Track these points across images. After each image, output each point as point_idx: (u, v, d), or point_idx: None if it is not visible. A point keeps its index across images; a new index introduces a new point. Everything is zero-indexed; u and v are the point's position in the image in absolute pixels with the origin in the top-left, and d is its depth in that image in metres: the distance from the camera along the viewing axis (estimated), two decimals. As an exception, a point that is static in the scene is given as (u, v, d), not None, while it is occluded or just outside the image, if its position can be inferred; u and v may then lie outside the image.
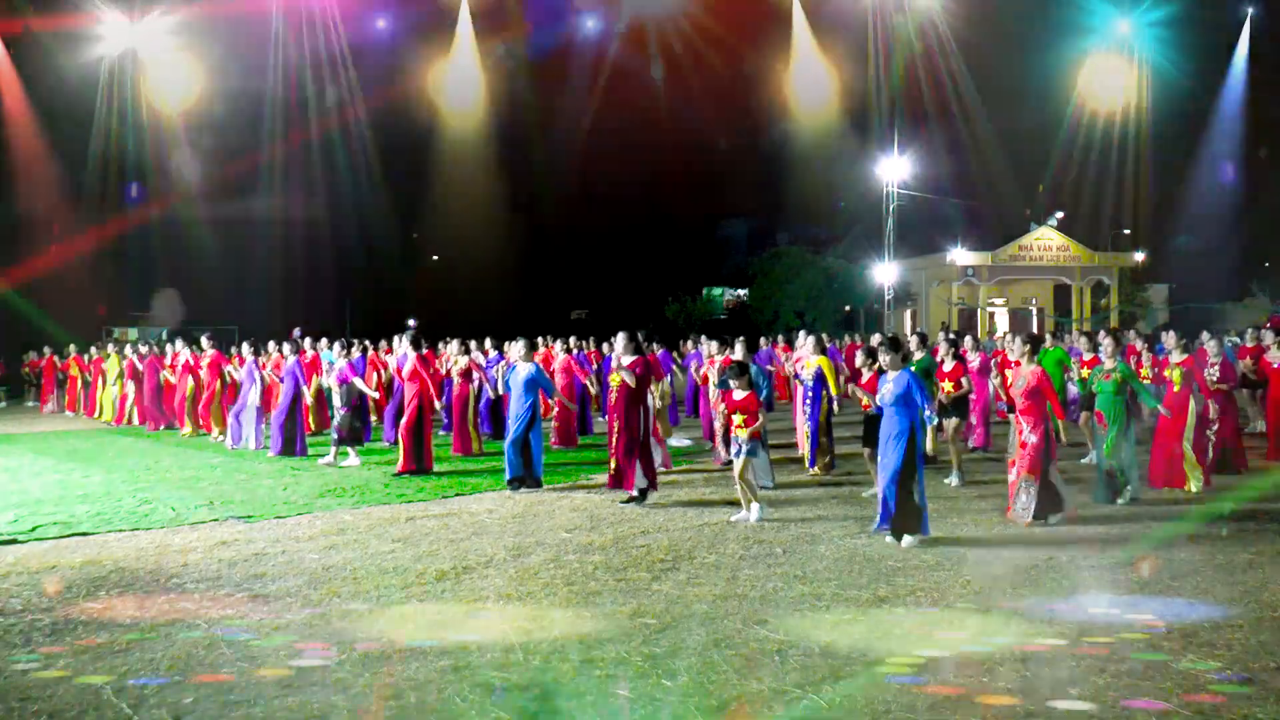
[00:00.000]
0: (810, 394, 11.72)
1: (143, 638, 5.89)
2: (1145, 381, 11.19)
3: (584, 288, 57.37)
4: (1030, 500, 8.89)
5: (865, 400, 10.08)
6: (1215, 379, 11.91)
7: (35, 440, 17.26)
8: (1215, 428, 11.68)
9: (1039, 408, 8.92)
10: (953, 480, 11.08)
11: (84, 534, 8.94)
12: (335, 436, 13.39)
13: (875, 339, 13.05)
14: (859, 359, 10.82)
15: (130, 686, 5.09)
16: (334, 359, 14.16)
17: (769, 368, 19.09)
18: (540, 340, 19.59)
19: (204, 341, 17.18)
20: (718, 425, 12.48)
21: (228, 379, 16.63)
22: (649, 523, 9.22)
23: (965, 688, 4.99)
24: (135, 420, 19.54)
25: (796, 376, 12.43)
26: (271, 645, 5.73)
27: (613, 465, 10.35)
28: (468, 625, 6.11)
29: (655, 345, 16.87)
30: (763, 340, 23.12)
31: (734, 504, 9.59)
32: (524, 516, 9.63)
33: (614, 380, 10.30)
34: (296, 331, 16.62)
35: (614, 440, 10.29)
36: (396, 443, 13.01)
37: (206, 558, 7.97)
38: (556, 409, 15.31)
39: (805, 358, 12.00)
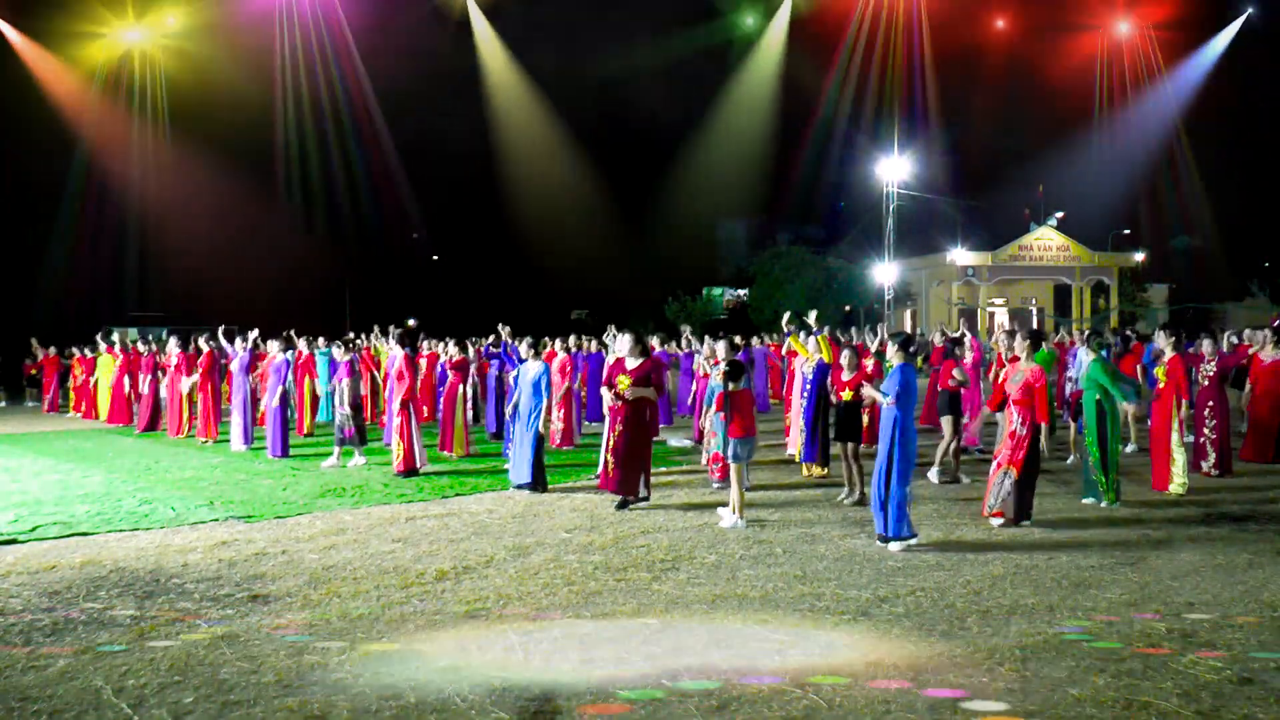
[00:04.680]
0: (809, 388, 11.68)
1: (142, 638, 5.89)
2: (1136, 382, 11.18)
3: (584, 288, 57.39)
4: (1009, 494, 8.85)
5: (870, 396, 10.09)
6: (1212, 374, 11.92)
7: (35, 440, 17.26)
8: (1214, 423, 11.69)
9: (1029, 403, 8.93)
10: (932, 476, 11.10)
11: (84, 534, 8.94)
12: (338, 436, 13.32)
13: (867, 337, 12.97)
14: (844, 357, 10.80)
15: (130, 686, 5.09)
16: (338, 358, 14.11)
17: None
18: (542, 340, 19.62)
19: (201, 342, 17.17)
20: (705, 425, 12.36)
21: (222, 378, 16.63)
22: (649, 523, 9.21)
23: (965, 688, 4.99)
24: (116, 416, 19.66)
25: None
26: (271, 645, 5.73)
27: (610, 465, 10.05)
28: (467, 625, 6.11)
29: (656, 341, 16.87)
30: (755, 340, 23.11)
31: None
32: (524, 516, 9.63)
33: (622, 383, 9.99)
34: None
35: (612, 441, 10.02)
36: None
37: (206, 558, 7.97)
38: (561, 409, 15.30)
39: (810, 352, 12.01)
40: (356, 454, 13.27)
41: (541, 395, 10.99)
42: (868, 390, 9.35)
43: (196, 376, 16.18)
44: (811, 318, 12.42)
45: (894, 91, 43.31)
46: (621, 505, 9.93)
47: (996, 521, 8.86)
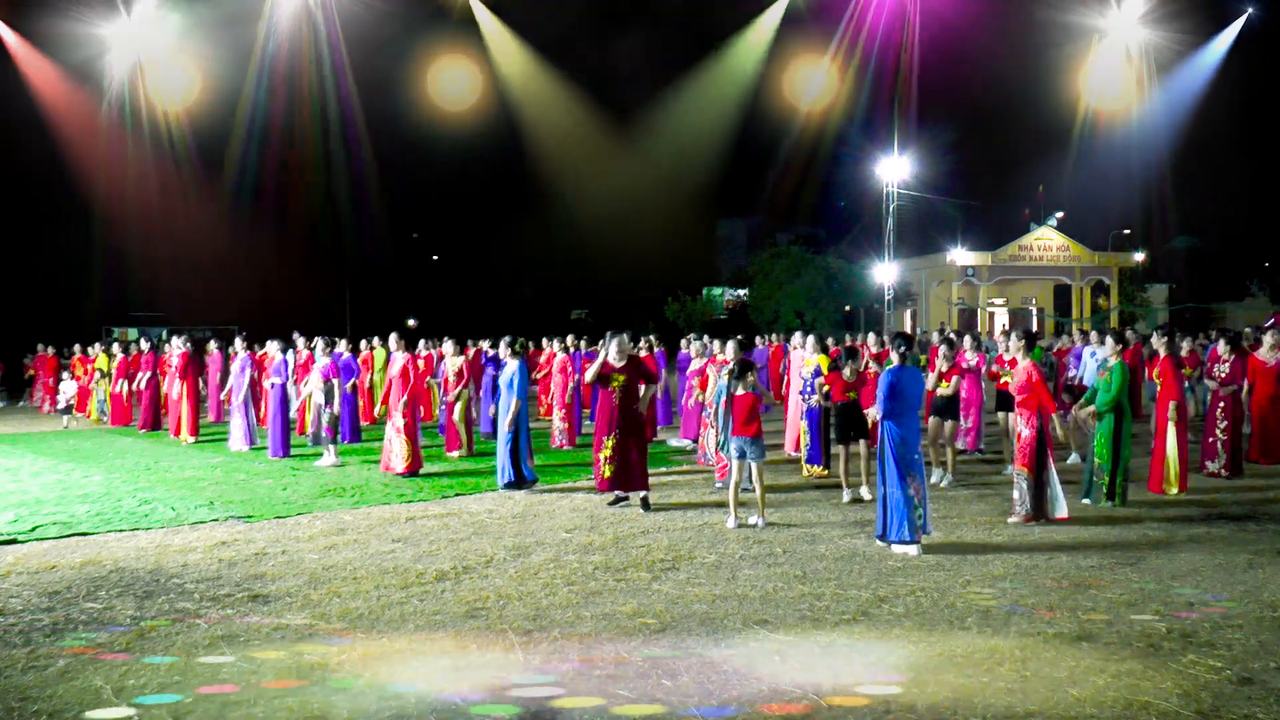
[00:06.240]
0: (810, 391, 11.71)
1: (143, 638, 5.89)
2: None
3: (584, 288, 57.43)
4: (1024, 496, 8.91)
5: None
6: (1223, 378, 11.91)
7: (35, 440, 17.26)
8: (1225, 424, 11.68)
9: (1034, 403, 8.93)
10: (944, 480, 11.07)
11: (84, 534, 8.95)
12: (325, 436, 13.31)
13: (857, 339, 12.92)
14: (842, 359, 10.80)
15: (130, 686, 5.09)
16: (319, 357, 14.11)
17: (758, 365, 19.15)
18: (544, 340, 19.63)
19: (177, 340, 17.27)
20: (707, 425, 12.27)
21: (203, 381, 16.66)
22: (649, 523, 9.21)
23: (966, 688, 4.99)
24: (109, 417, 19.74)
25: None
26: (271, 645, 5.73)
27: (631, 467, 9.78)
28: (467, 625, 6.11)
29: (653, 345, 16.86)
30: (759, 340, 23.13)
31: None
32: (524, 516, 9.63)
33: (616, 381, 9.91)
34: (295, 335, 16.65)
35: (622, 441, 9.80)
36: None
37: (206, 558, 7.97)
38: (562, 409, 15.31)
39: (806, 356, 12.02)
40: (328, 455, 13.25)
41: (513, 394, 10.95)
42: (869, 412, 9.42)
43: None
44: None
45: (893, 90, 43.29)
46: (644, 504, 9.85)
47: (1013, 520, 8.95)
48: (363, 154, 47.64)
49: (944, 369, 11.28)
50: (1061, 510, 8.94)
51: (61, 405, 20.08)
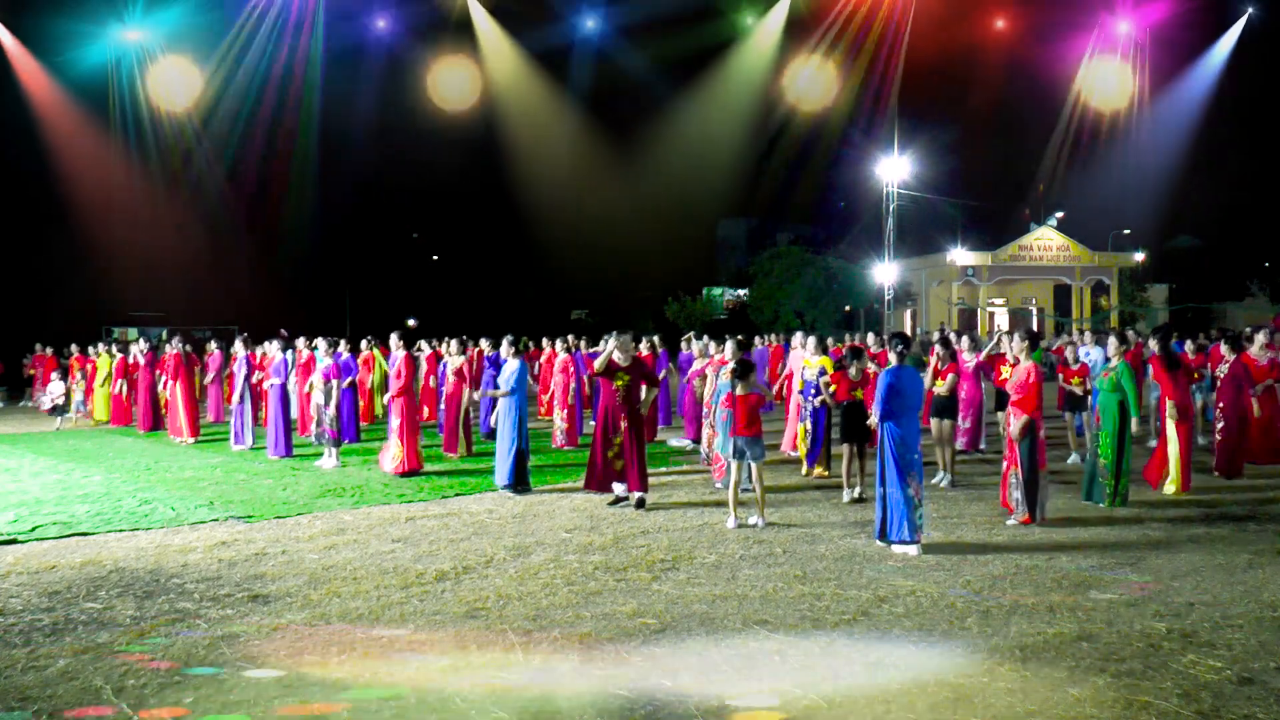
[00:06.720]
0: (814, 392, 11.71)
1: (143, 638, 5.89)
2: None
3: (584, 288, 57.43)
4: (1023, 497, 8.91)
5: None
6: (1222, 384, 11.92)
7: (35, 440, 17.26)
8: (1221, 425, 11.68)
9: (1028, 404, 8.93)
10: (943, 480, 11.07)
11: (84, 534, 8.95)
12: (328, 437, 13.33)
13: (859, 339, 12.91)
14: (846, 360, 10.83)
15: (130, 686, 5.09)
16: (320, 358, 14.14)
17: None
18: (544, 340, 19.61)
19: (174, 341, 17.25)
20: (709, 427, 12.26)
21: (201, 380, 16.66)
22: (649, 523, 9.21)
23: (966, 688, 4.99)
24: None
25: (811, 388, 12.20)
26: (271, 645, 5.73)
27: (632, 466, 9.89)
28: (467, 625, 6.11)
29: (657, 345, 16.85)
30: (758, 340, 23.13)
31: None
32: (524, 516, 9.63)
33: (620, 381, 9.95)
34: (284, 332, 16.64)
35: (622, 440, 9.90)
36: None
37: (206, 558, 7.97)
38: (563, 409, 15.30)
39: (808, 357, 12.02)
40: (329, 456, 13.27)
41: (514, 393, 10.95)
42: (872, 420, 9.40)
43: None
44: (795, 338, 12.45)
45: (894, 90, 43.29)
46: (640, 504, 9.89)
47: (1011, 520, 8.94)
48: (363, 154, 47.67)
49: (940, 367, 11.28)
50: (1045, 510, 9.00)
51: (47, 405, 20.08)
